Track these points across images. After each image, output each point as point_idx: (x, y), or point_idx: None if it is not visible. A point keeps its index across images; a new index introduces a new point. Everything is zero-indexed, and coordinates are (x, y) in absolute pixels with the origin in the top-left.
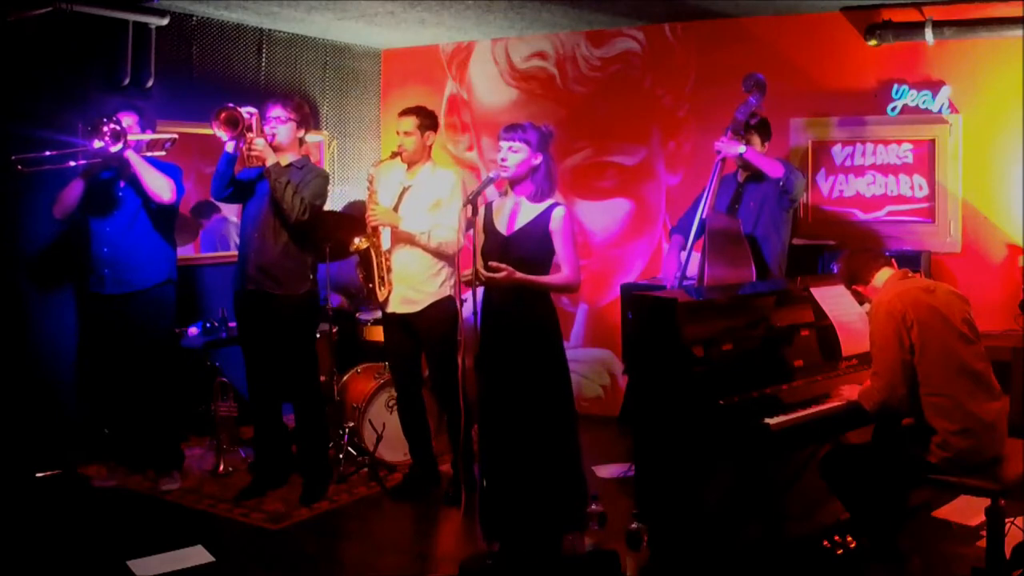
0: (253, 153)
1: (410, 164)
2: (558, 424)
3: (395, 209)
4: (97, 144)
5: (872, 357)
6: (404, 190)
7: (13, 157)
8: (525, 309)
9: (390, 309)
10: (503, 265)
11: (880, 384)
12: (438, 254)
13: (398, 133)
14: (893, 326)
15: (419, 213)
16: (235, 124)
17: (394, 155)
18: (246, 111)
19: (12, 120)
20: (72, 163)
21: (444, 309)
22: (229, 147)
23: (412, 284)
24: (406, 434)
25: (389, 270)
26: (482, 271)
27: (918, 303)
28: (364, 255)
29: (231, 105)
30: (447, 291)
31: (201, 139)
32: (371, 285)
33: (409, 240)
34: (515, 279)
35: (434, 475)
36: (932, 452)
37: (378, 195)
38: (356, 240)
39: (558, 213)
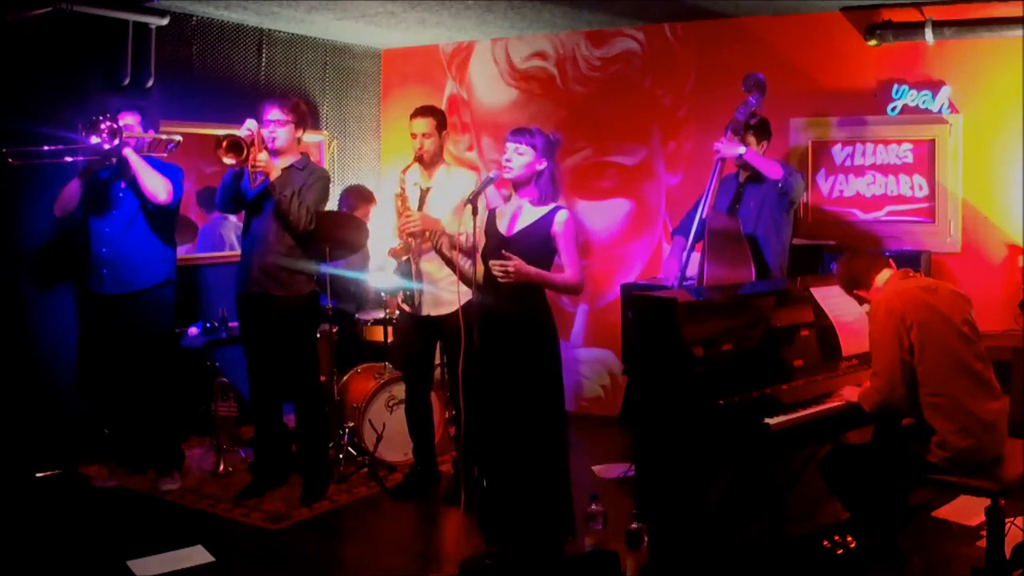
0: (258, 167)
1: (428, 166)
2: (546, 427)
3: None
4: (94, 140)
5: (871, 357)
6: (424, 192)
7: (4, 150)
8: (522, 310)
9: (423, 313)
10: (513, 256)
11: (879, 384)
12: (469, 254)
13: (414, 136)
14: (892, 326)
15: (444, 215)
16: (239, 149)
17: (416, 159)
18: (246, 128)
19: (12, 120)
20: (69, 159)
21: (468, 309)
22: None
23: (445, 287)
24: (411, 434)
25: (419, 274)
26: (492, 264)
27: (918, 303)
28: (403, 264)
29: (232, 133)
30: (471, 292)
31: (201, 139)
32: (410, 292)
33: (449, 243)
34: (523, 271)
35: (434, 475)
36: (932, 452)
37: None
38: (394, 247)
39: (561, 216)
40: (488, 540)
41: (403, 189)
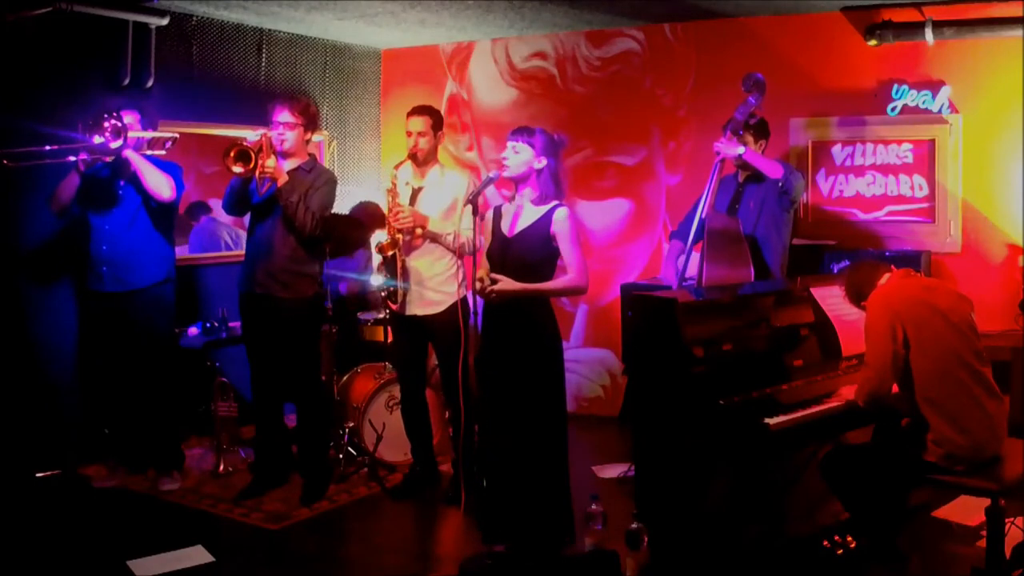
0: (266, 173)
1: (422, 165)
2: (546, 429)
3: None
4: (97, 139)
5: (865, 349)
6: (416, 192)
7: None
8: (523, 313)
9: (408, 312)
10: (499, 276)
11: (869, 374)
12: (458, 254)
13: (410, 134)
14: (888, 319)
15: (434, 215)
16: (247, 158)
17: (410, 156)
18: (257, 134)
19: (12, 120)
20: (72, 158)
21: (460, 310)
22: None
23: (432, 286)
24: (409, 434)
25: (405, 272)
26: (481, 282)
27: (916, 300)
28: (389, 259)
29: (238, 143)
30: (463, 292)
31: (201, 139)
32: (393, 288)
33: (435, 239)
34: (513, 289)
35: (434, 475)
36: (929, 450)
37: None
38: (381, 242)
39: (560, 215)
40: (488, 539)
41: (394, 184)
